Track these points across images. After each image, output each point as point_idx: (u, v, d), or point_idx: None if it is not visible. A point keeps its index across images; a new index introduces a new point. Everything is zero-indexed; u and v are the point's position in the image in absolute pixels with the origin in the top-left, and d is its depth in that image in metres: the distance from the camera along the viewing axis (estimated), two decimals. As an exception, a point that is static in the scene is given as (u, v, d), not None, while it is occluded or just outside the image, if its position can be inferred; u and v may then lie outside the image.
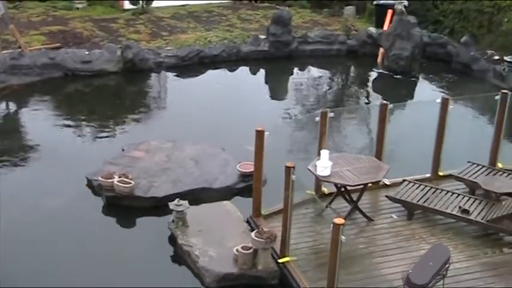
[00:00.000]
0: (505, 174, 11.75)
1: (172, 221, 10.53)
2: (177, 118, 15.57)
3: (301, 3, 24.31)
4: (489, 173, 11.82)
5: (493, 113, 12.29)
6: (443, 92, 17.25)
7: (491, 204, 10.73)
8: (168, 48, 19.34)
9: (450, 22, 21.64)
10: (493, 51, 19.75)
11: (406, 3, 20.80)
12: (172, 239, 10.48)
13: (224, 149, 13.40)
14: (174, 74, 18.56)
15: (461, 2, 21.16)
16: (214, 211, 11.04)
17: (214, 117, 15.45)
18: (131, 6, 22.47)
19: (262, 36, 20.20)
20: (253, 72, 19.44)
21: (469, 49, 19.64)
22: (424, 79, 19.45)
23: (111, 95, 17.57)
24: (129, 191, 11.49)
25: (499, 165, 12.37)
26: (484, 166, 12.04)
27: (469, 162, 12.08)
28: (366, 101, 18.18)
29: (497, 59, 19.29)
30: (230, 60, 19.56)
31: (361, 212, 10.74)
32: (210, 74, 18.86)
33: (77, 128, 14.90)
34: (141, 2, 22.14)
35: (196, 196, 11.64)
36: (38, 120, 15.25)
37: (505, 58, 19.00)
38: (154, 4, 22.60)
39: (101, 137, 14.52)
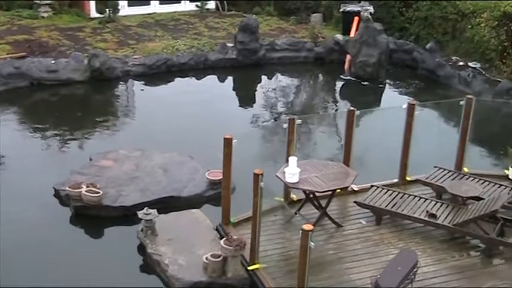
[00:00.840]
0: (471, 179, 11.91)
1: (141, 230, 10.48)
2: (145, 127, 15.51)
3: (268, 11, 24.38)
4: (455, 177, 11.96)
5: (459, 118, 12.44)
6: (409, 98, 17.40)
7: (458, 208, 10.85)
8: (136, 56, 19.26)
9: (415, 29, 21.88)
10: (457, 57, 20.02)
11: (371, 10, 21.05)
12: (142, 248, 10.43)
13: (193, 157, 13.37)
14: (142, 82, 18.49)
15: (426, 9, 21.40)
16: (184, 219, 11.01)
17: (182, 125, 15.42)
18: (98, 15, 22.34)
19: (230, 44, 20.22)
20: (221, 80, 19.45)
21: (435, 55, 19.88)
22: (390, 85, 19.64)
23: (78, 104, 17.43)
24: (97, 201, 11.40)
25: (465, 169, 12.53)
26: (450, 171, 12.19)
27: (435, 167, 12.21)
28: (334, 107, 18.28)
29: (462, 65, 19.55)
30: (198, 69, 19.55)
31: (330, 218, 10.79)
32: (178, 82, 18.82)
33: (44, 138, 14.75)
34: (108, 10, 22.01)
35: (165, 204, 11.60)
36: (3, 131, 15.07)
37: (470, 64, 19.28)
38: (121, 13, 22.48)
39: (68, 147, 14.40)
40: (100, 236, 11.22)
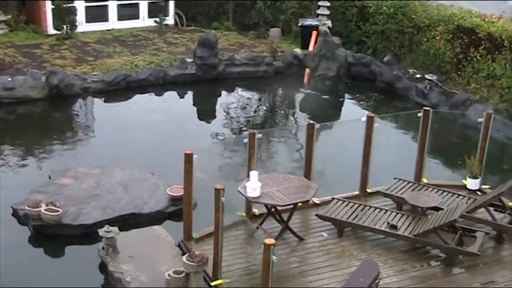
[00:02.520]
0: (430, 189, 12.07)
1: (102, 248, 10.37)
2: (105, 144, 15.39)
3: (227, 26, 24.45)
4: (415, 188, 12.11)
5: (417, 129, 12.60)
6: (368, 110, 17.59)
7: (418, 218, 10.98)
8: (94, 73, 19.12)
9: (373, 42, 22.15)
10: (414, 70, 20.32)
11: (329, 24, 21.25)
12: (103, 267, 10.32)
13: (153, 173, 13.30)
14: (101, 99, 18.35)
15: (382, 23, 21.69)
16: (145, 236, 10.93)
17: (142, 141, 15.34)
18: (55, 32, 22.13)
19: (189, 60, 20.21)
20: (181, 95, 19.41)
21: (392, 68, 20.15)
22: (350, 98, 19.83)
23: (36, 122, 17.22)
24: (56, 219, 11.26)
25: (424, 180, 12.70)
26: (410, 182, 12.34)
27: (395, 178, 12.35)
28: (294, 121, 18.38)
29: (419, 77, 19.85)
30: (158, 84, 19.48)
31: (292, 231, 10.82)
32: (138, 98, 18.73)
33: (1, 157, 14.52)
34: (65, 27, 21.83)
35: (127, 222, 11.53)
36: (-40, 150, 14.82)
37: (426, 76, 19.57)
38: (79, 29, 22.31)
39: (27, 165, 14.20)
40: (60, 255, 11.08)
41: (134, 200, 12.24)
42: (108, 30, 23.31)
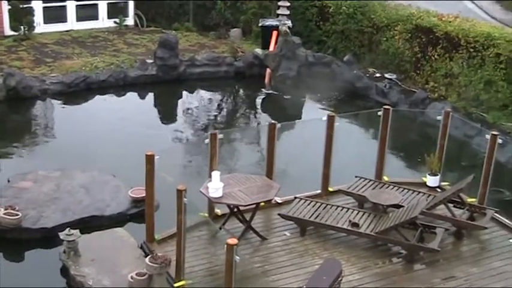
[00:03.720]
0: (391, 187, 12.20)
1: (64, 252, 10.26)
2: (65, 146, 15.20)
3: (187, 27, 24.38)
4: (376, 186, 12.23)
5: (377, 128, 12.72)
6: (329, 110, 17.71)
7: (379, 216, 11.08)
8: (53, 75, 18.89)
9: (333, 42, 22.31)
10: (374, 69, 20.52)
11: (290, 24, 21.33)
12: (64, 271, 10.21)
13: (115, 175, 13.20)
14: (61, 101, 18.14)
15: (342, 23, 21.85)
16: (107, 239, 10.84)
17: (103, 143, 15.21)
18: (12, 33, 21.81)
19: (150, 61, 20.11)
20: (142, 96, 19.30)
21: (352, 67, 20.31)
22: (311, 98, 19.92)
23: (-6, 124, 16.97)
24: (16, 223, 11.11)
25: (385, 178, 12.83)
26: (371, 180, 12.45)
27: (356, 176, 12.45)
28: (256, 121, 18.40)
29: (379, 77, 20.05)
30: (118, 86, 19.34)
31: (254, 231, 10.83)
32: (98, 99, 18.57)
33: (-41, 161, 14.28)
34: (22, 28, 21.54)
35: (88, 224, 11.42)
36: None
37: (386, 75, 19.78)
38: (37, 30, 22.04)
39: (-15, 169, 13.99)
40: (20, 259, 10.93)
41: (95, 202, 12.13)
42: (67, 31, 23.07)
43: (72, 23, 23.34)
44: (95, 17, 23.77)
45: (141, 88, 19.49)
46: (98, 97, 18.68)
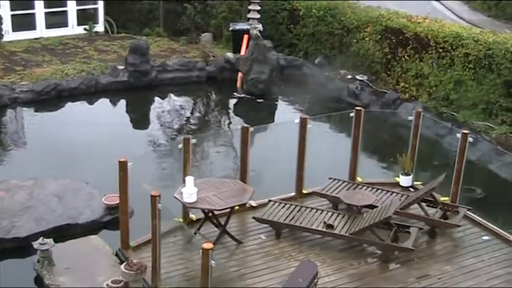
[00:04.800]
0: (365, 188, 12.28)
1: (38, 261, 10.16)
2: (37, 154, 15.08)
3: (158, 32, 24.33)
4: (350, 187, 12.30)
5: (350, 129, 12.79)
6: (301, 112, 17.77)
7: (354, 217, 11.14)
8: (23, 83, 18.72)
9: (304, 45, 22.41)
10: (345, 71, 20.64)
11: (260, 28, 21.39)
12: (39, 280, 10.10)
13: (88, 182, 13.12)
14: (31, 109, 17.98)
15: (312, 26, 21.96)
16: (82, 247, 10.76)
17: (76, 150, 15.08)
18: (-19, 42, 21.62)
19: (121, 67, 20.02)
20: (114, 103, 19.21)
21: (323, 70, 20.42)
22: (283, 101, 19.99)
23: (-37, 134, 16.77)
24: (-12, 234, 10.99)
25: (359, 179, 12.90)
26: (344, 181, 12.52)
27: (330, 178, 12.51)
28: (229, 125, 18.41)
29: (350, 78, 20.18)
30: (89, 93, 19.22)
31: (229, 235, 10.83)
32: (69, 107, 18.44)
33: None
34: (-9, 36, 21.36)
35: (62, 233, 11.32)
36: None
37: (357, 77, 19.90)
38: (6, 38, 21.83)
39: (-45, 180, 13.80)
40: (-7, 270, 10.81)
41: (69, 210, 12.03)
42: (36, 38, 22.88)
43: (41, 31, 23.15)
44: (64, 24, 23.60)
45: (112, 95, 19.39)
46: (69, 105, 18.55)
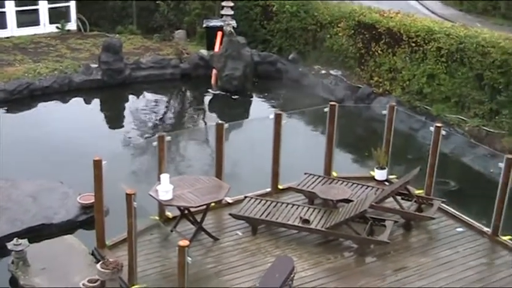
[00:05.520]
0: (340, 182, 12.33)
1: (12, 262, 10.07)
2: (10, 155, 14.88)
3: (131, 30, 24.20)
4: (325, 182, 12.34)
5: (324, 124, 12.82)
6: (276, 108, 17.80)
7: (330, 212, 11.19)
8: (-2, 82, 18.55)
9: (278, 41, 22.43)
10: (319, 66, 20.70)
11: (234, 24, 21.36)
12: (14, 281, 10.01)
13: (63, 182, 13.02)
14: (3, 109, 17.79)
15: (286, 21, 21.99)
16: (57, 247, 10.69)
17: (50, 150, 14.96)
18: (-49, 42, 21.37)
19: (94, 65, 19.89)
20: (88, 101, 19.08)
21: (297, 65, 20.47)
22: (258, 97, 20.00)
23: None
24: (-38, 236, 10.86)
25: (334, 173, 12.96)
26: (320, 176, 12.56)
27: (305, 173, 12.54)
28: (203, 122, 18.39)
29: (324, 73, 20.23)
30: (62, 91, 19.07)
31: (206, 232, 10.82)
32: (43, 106, 18.29)
33: None
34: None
35: (37, 233, 11.24)
36: None
37: (331, 72, 19.98)
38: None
39: None
40: (-33, 273, 10.70)
41: (43, 210, 11.94)
42: (7, 37, 22.65)
43: (12, 29, 22.92)
44: (36, 22, 23.38)
45: (86, 93, 19.26)
46: (42, 104, 18.40)
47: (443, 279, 9.98)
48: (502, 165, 10.77)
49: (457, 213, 11.80)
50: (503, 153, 12.58)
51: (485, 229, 11.27)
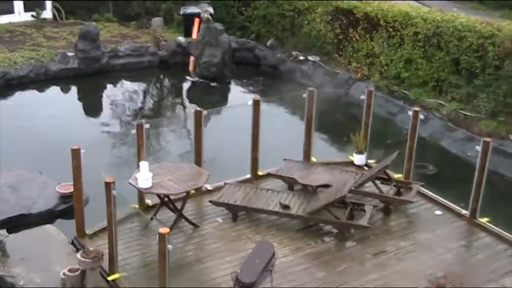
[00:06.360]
0: (319, 168, 12.36)
1: (-9, 253, 10.01)
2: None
3: (107, 18, 24.01)
4: (305, 167, 12.37)
5: (303, 110, 12.83)
6: (255, 94, 17.77)
7: (309, 197, 11.23)
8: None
9: (256, 27, 22.38)
10: (297, 52, 20.69)
11: (211, 11, 21.28)
12: (-7, 272, 9.96)
13: (41, 172, 12.94)
14: (-20, 99, 17.65)
15: (264, 8, 21.94)
16: (36, 236, 10.62)
17: (27, 140, 14.84)
18: None
19: (71, 54, 19.73)
20: (65, 90, 18.95)
21: (276, 52, 20.45)
22: (236, 84, 19.97)
23: None
24: None
25: (313, 159, 12.98)
26: (299, 162, 12.58)
27: (285, 159, 12.55)
28: (182, 109, 18.33)
29: (302, 59, 20.23)
30: (39, 81, 18.91)
31: (186, 219, 10.81)
32: (19, 96, 18.12)
33: None
34: None
35: (16, 223, 11.18)
36: None
37: (309, 58, 19.98)
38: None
39: None
40: None
41: (22, 200, 11.87)
42: (-18, 27, 22.38)
43: (-14, 19, 22.65)
44: (10, 10, 23.06)
45: (63, 82, 19.12)
46: (18, 93, 18.22)
47: (422, 262, 10.06)
48: (479, 148, 10.86)
49: (436, 196, 11.89)
50: (481, 136, 12.68)
51: (464, 212, 11.37)
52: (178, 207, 10.77)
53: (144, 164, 10.30)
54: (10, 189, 12.23)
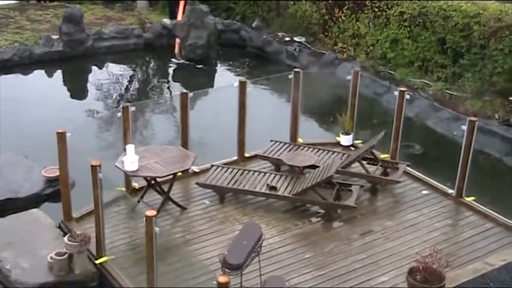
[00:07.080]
0: (306, 149, 12.38)
1: (-22, 238, 9.98)
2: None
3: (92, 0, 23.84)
4: (291, 149, 12.38)
5: (289, 91, 12.81)
6: (241, 76, 17.74)
7: (296, 178, 11.24)
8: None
9: (241, 8, 22.26)
10: (283, 33, 20.63)
11: (197, -8, 21.14)
12: (-20, 257, 9.92)
13: (27, 155, 12.87)
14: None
15: (250, -12, 21.86)
16: (23, 221, 10.58)
17: (12, 124, 14.74)
18: None
19: (55, 37, 19.56)
20: (50, 74, 18.80)
21: (261, 33, 20.37)
22: (222, 65, 19.91)
23: None
24: None
25: (300, 140, 12.99)
26: (286, 143, 12.59)
27: (271, 141, 12.55)
28: (168, 92, 18.26)
29: (288, 40, 20.18)
30: (23, 64, 18.73)
31: (173, 202, 10.81)
32: (3, 79, 17.94)
33: None
34: None
35: (1, 208, 11.12)
36: None
37: (295, 39, 19.93)
38: None
39: None
40: None
41: (8, 184, 11.81)
42: (-36, 10, 22.14)
43: (-32, 1, 22.40)
44: (-7, -7, 22.87)
45: (48, 65, 18.95)
46: (2, 77, 18.06)
47: (409, 241, 10.12)
48: (464, 127, 10.91)
49: (422, 176, 11.94)
50: (466, 115, 12.72)
51: (450, 191, 11.43)
52: (165, 190, 10.77)
53: (130, 147, 10.27)
54: (-5, 174, 12.18)
